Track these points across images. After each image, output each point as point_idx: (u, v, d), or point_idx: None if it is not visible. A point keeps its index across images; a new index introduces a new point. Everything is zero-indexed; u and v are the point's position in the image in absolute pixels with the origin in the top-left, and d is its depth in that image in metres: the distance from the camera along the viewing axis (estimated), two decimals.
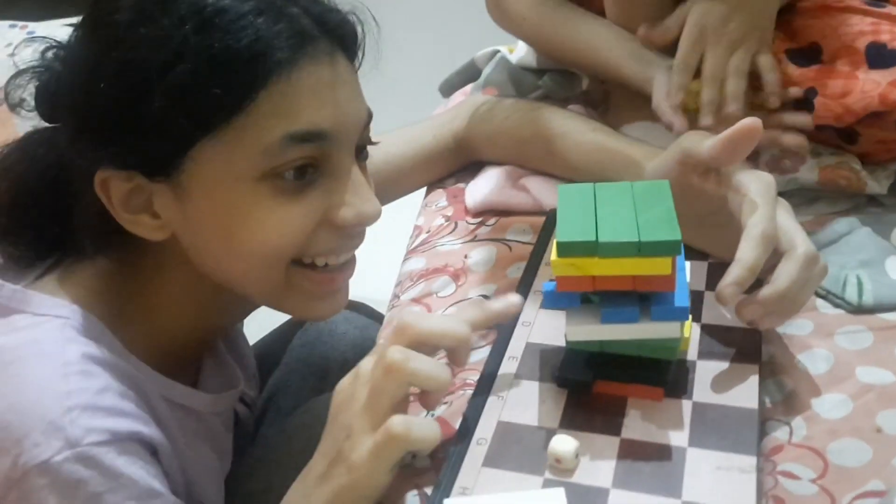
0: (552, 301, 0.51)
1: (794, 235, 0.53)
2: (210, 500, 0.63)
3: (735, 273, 0.50)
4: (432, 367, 0.48)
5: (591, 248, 0.47)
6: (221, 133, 0.51)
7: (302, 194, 0.54)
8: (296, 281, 0.57)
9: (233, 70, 0.50)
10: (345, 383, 0.51)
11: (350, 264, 0.60)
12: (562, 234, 0.48)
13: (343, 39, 0.56)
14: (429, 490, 0.52)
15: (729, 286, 0.50)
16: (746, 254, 0.51)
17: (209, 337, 0.66)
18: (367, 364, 0.51)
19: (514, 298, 0.54)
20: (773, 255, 0.53)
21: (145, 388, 0.56)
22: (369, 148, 0.80)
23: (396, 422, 0.46)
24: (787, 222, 0.54)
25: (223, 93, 0.50)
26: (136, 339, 0.57)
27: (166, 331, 0.60)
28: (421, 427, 0.47)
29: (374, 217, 0.56)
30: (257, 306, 0.66)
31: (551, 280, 0.50)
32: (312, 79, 0.52)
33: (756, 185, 0.54)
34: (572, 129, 0.73)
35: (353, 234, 0.58)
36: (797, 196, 0.73)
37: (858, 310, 0.61)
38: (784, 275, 0.51)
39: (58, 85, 0.55)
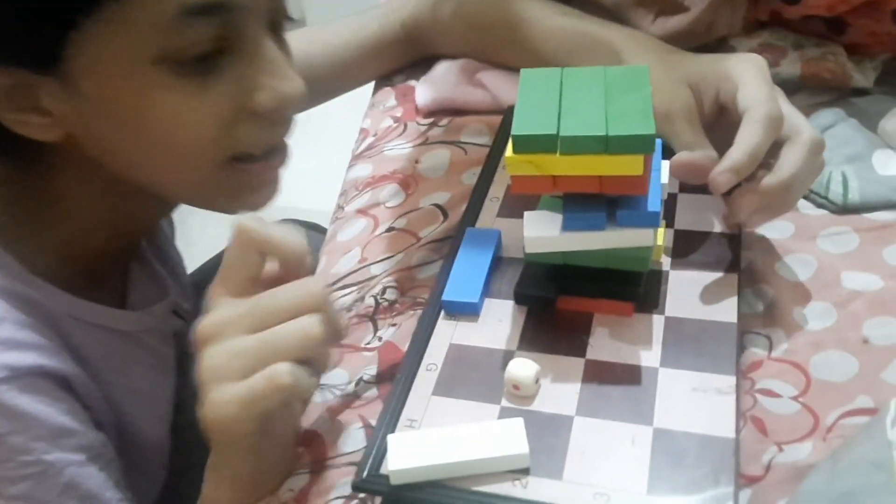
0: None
1: (796, 120, 0.47)
2: (145, 428, 0.58)
3: (734, 157, 0.44)
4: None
5: (552, 144, 0.40)
6: (105, 10, 0.43)
7: (209, 79, 0.46)
8: (227, 177, 0.50)
9: None
10: (211, 338, 0.42)
11: (283, 150, 0.53)
12: (518, 126, 0.41)
13: None
14: (375, 422, 0.47)
15: (724, 173, 0.44)
16: (748, 137, 0.45)
17: (128, 244, 0.60)
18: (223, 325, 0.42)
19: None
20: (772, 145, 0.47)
21: (53, 312, 0.50)
22: (306, 37, 0.72)
23: (283, 371, 0.40)
24: (786, 107, 0.48)
25: None
26: (42, 257, 0.51)
27: (76, 243, 0.53)
28: (307, 383, 0.41)
29: (297, 97, 0.49)
30: (176, 205, 0.60)
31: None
32: None
33: (748, 67, 0.48)
34: (539, 13, 0.65)
35: (277, 120, 0.50)
36: (777, 85, 0.67)
37: (843, 209, 0.56)
38: (790, 161, 0.45)
39: None
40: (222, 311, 0.43)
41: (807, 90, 0.67)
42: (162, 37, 0.44)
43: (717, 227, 0.51)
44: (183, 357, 0.68)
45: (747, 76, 0.48)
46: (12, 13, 0.42)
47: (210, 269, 0.83)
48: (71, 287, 0.52)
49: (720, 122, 0.49)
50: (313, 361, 0.42)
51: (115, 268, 0.59)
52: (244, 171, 0.51)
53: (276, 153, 0.52)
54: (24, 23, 0.43)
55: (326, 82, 0.72)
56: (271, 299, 0.42)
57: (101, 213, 0.53)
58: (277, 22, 0.50)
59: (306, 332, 0.41)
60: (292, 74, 0.49)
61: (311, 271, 0.47)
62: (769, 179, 0.45)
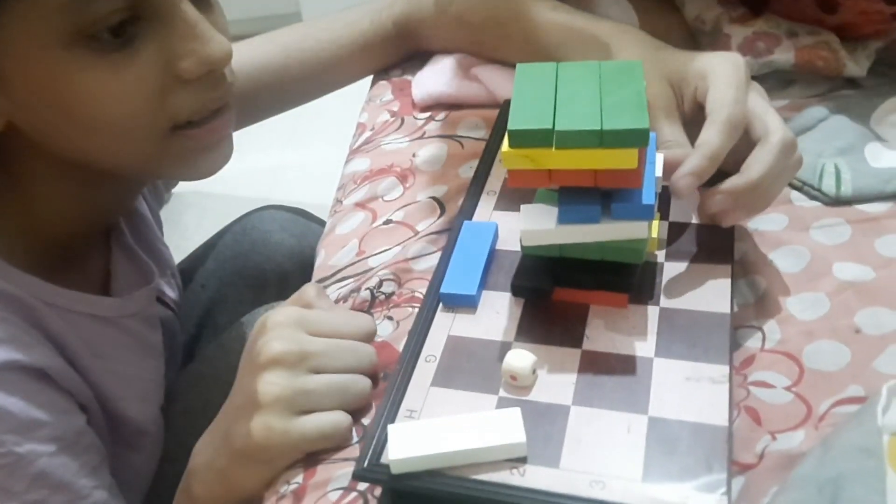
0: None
1: (768, 120, 0.47)
2: (133, 409, 0.58)
3: (693, 162, 0.45)
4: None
5: (547, 138, 0.41)
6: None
7: (129, 53, 0.46)
8: (173, 146, 0.50)
9: None
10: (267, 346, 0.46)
11: (226, 112, 0.52)
12: (514, 121, 0.41)
13: None
14: (366, 420, 0.47)
15: (685, 177, 0.45)
16: (708, 140, 0.45)
17: (101, 226, 0.60)
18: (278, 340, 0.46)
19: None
20: (747, 144, 0.48)
21: (28, 302, 0.50)
22: (299, 33, 0.72)
23: (347, 421, 0.45)
24: (760, 106, 0.48)
25: None
26: (15, 245, 0.51)
27: (47, 228, 0.53)
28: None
29: (223, 57, 0.48)
30: (144, 185, 0.60)
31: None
32: None
33: (722, 68, 0.49)
34: (529, 9, 0.66)
35: (210, 83, 0.49)
36: (771, 79, 0.67)
37: (836, 201, 0.56)
38: (758, 163, 0.46)
39: None
40: (292, 340, 0.46)
41: (801, 83, 0.67)
42: (70, 15, 0.43)
43: None
44: (173, 346, 0.68)
45: (719, 77, 0.48)
46: None
47: (197, 258, 0.83)
48: (48, 274, 0.52)
49: (699, 118, 0.50)
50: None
51: (93, 253, 0.59)
52: (189, 137, 0.50)
53: (218, 115, 0.51)
54: None
55: (317, 79, 0.73)
56: (340, 353, 0.47)
57: (64, 196, 0.53)
58: None
59: (364, 391, 0.47)
60: (213, 35, 0.47)
61: (371, 337, 0.51)
62: (736, 180, 0.46)
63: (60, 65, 0.45)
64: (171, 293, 0.69)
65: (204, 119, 0.50)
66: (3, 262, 0.50)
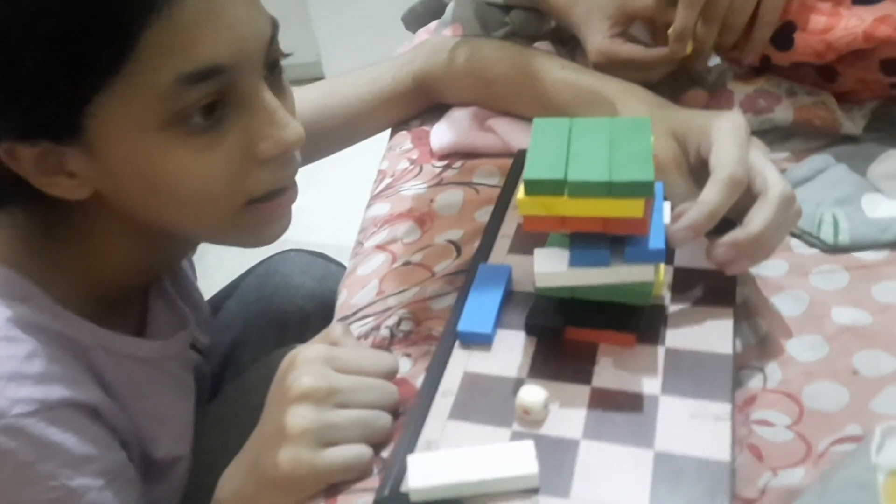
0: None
1: (768, 175, 0.50)
2: (166, 447, 0.61)
3: (693, 217, 0.48)
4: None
5: (559, 187, 0.44)
6: (113, 85, 0.46)
7: (216, 136, 0.50)
8: (243, 218, 0.54)
9: (106, 14, 0.44)
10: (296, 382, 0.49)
11: (292, 188, 0.57)
12: (530, 171, 0.45)
13: None
14: (385, 453, 0.50)
15: (682, 230, 0.48)
16: (709, 197, 0.48)
17: (152, 279, 0.64)
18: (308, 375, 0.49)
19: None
20: (749, 195, 0.50)
21: (81, 343, 0.53)
22: (325, 90, 0.77)
23: (370, 453, 0.47)
24: (761, 161, 0.51)
25: (101, 42, 0.45)
26: (72, 291, 0.54)
27: (105, 279, 0.57)
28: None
29: (297, 142, 0.53)
30: (199, 243, 0.64)
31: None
32: (199, 6, 0.46)
33: (725, 127, 0.52)
34: (540, 67, 0.70)
35: (283, 163, 0.54)
36: (772, 132, 0.71)
37: (834, 249, 0.59)
38: (759, 217, 0.49)
39: None
40: (321, 376, 0.48)
41: (800, 136, 0.70)
42: (165, 103, 0.47)
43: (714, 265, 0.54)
44: (201, 389, 0.71)
45: (721, 136, 0.51)
46: (36, 95, 0.46)
47: (220, 299, 0.86)
48: (96, 318, 0.55)
49: (704, 172, 0.53)
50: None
51: (135, 299, 0.63)
52: (258, 210, 0.54)
53: (286, 192, 0.56)
54: (45, 102, 0.47)
55: (343, 132, 0.77)
56: (365, 390, 0.50)
57: (127, 252, 0.57)
58: (273, 63, 0.53)
59: (386, 426, 0.49)
60: (290, 121, 0.52)
61: (393, 375, 0.53)
62: (738, 233, 0.49)
63: (154, 144, 0.49)
64: (203, 339, 0.72)
65: (272, 194, 0.54)
66: (60, 306, 0.53)
